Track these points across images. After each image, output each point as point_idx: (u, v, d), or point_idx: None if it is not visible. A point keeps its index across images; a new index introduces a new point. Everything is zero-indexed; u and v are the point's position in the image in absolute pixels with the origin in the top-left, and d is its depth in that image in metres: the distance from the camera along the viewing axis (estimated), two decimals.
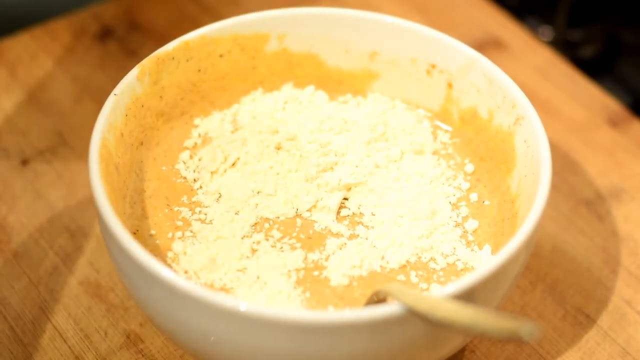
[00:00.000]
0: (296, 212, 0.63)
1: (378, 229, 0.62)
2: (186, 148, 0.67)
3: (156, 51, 0.66)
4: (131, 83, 0.64)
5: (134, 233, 0.61)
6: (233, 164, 0.66)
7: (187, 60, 0.67)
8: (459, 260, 0.61)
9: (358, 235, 0.62)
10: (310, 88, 0.71)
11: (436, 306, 0.49)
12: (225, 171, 0.65)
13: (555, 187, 0.75)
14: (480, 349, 0.65)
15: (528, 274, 0.69)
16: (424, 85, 0.70)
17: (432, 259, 0.61)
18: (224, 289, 0.58)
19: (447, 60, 0.68)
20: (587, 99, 0.83)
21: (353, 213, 0.64)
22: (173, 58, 0.66)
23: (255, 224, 0.62)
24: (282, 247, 0.61)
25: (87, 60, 0.84)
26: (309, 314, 0.52)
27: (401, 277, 0.60)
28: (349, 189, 0.64)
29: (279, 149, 0.66)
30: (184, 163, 0.66)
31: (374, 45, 0.70)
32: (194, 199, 0.64)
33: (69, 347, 0.65)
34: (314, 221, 0.63)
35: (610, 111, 0.82)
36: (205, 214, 0.63)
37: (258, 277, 0.59)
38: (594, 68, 0.92)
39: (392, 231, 0.62)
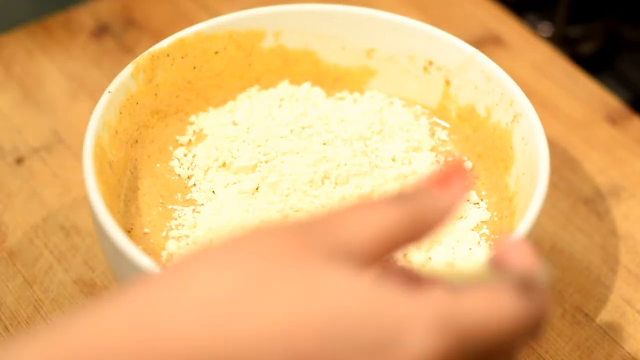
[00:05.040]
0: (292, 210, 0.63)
1: None
2: (181, 145, 0.66)
3: (151, 48, 0.65)
4: (125, 80, 0.63)
5: (128, 231, 0.60)
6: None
7: (182, 58, 0.67)
8: (456, 258, 0.60)
9: None
10: (307, 85, 0.70)
11: None
12: (219, 168, 0.65)
13: (553, 185, 0.74)
14: None
15: None
16: (422, 82, 0.69)
17: (429, 257, 0.60)
18: None
19: (445, 57, 0.67)
20: (587, 95, 0.83)
21: None
22: (168, 55, 0.66)
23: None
24: None
25: (83, 57, 0.84)
26: None
27: None
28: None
29: None
30: (178, 160, 0.65)
31: (371, 42, 0.69)
32: (187, 197, 0.63)
33: None
34: None
35: (610, 108, 0.82)
36: (199, 212, 0.62)
37: None
38: (594, 65, 0.92)
39: None
